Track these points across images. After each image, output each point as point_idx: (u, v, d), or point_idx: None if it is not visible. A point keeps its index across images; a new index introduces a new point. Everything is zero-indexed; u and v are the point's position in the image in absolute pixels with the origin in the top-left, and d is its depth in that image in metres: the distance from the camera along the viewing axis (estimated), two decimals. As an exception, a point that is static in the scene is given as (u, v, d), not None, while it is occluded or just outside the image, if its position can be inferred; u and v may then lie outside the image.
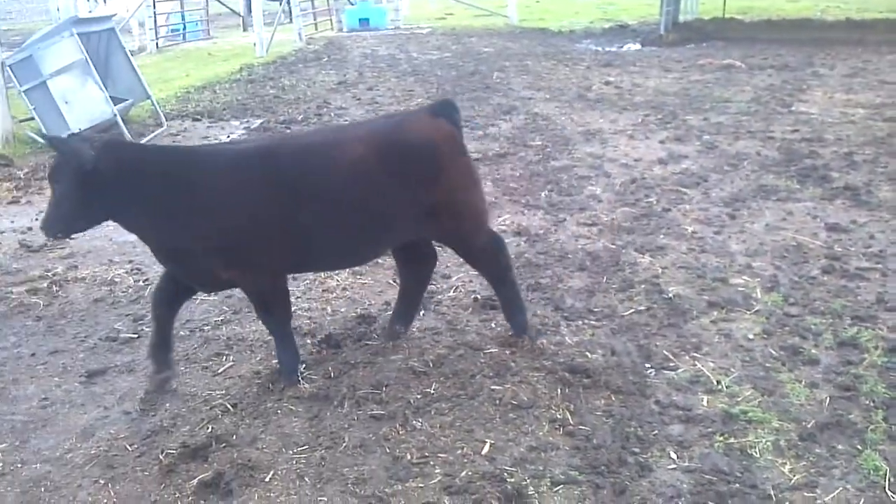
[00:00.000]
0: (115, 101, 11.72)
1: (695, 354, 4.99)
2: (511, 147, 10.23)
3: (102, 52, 12.42)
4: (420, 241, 5.15)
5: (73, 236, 5.87)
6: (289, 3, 25.24)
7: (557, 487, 3.82)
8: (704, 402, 4.48)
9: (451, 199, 4.79)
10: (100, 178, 4.32)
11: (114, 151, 4.47)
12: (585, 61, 17.61)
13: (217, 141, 11.37)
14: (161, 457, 4.13)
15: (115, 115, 11.44)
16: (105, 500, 3.86)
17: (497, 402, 4.51)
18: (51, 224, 4.47)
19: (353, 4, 28.49)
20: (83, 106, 11.24)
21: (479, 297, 5.89)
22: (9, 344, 5.55)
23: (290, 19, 26.03)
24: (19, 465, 4.18)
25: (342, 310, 5.81)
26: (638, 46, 20.51)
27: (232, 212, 4.43)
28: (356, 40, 23.74)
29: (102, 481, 4.00)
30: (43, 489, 3.97)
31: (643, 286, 5.96)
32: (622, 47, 20.47)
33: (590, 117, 11.95)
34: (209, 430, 4.35)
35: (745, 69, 15.66)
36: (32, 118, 11.50)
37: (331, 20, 28.24)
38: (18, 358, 5.36)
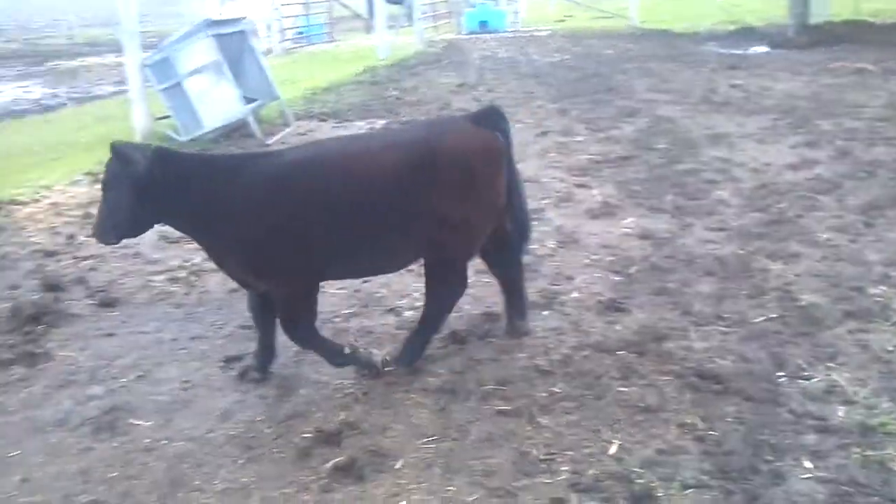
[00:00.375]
0: (246, 100, 12.17)
1: (830, 364, 4.85)
2: (634, 150, 10.14)
3: (235, 53, 12.90)
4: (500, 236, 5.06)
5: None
6: (410, 6, 25.61)
7: (687, 491, 3.79)
8: (840, 413, 4.35)
9: (470, 215, 4.70)
10: (153, 186, 4.41)
11: (165, 160, 4.53)
12: (710, 63, 17.27)
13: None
14: (297, 440, 4.30)
15: (247, 114, 11.87)
16: (244, 479, 4.03)
17: (624, 404, 4.50)
18: (105, 231, 4.55)
19: (472, 7, 28.68)
20: (217, 105, 11.71)
21: (603, 298, 5.87)
22: (151, 329, 5.85)
23: (411, 22, 26.45)
24: (165, 442, 4.42)
25: (466, 307, 5.88)
26: (765, 49, 19.98)
27: (267, 220, 4.50)
28: (476, 43, 23.92)
29: (241, 461, 4.19)
30: (186, 465, 4.19)
31: (775, 293, 5.82)
32: (748, 50, 19.98)
33: (716, 120, 11.72)
34: (341, 416, 4.49)
35: (878, 73, 15.06)
36: (169, 116, 12.07)
37: (451, 23, 28.52)
38: (160, 343, 5.65)
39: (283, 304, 4.75)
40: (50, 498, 3.97)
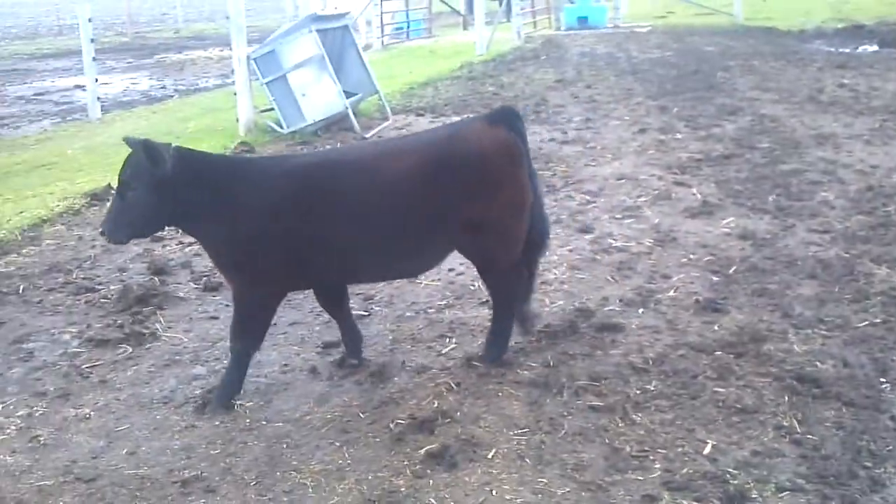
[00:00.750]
0: (347, 94, 12.37)
1: (936, 372, 4.69)
2: (736, 148, 9.92)
3: (337, 48, 13.14)
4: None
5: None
6: (509, 2, 25.59)
7: (783, 494, 3.72)
8: (946, 423, 4.20)
9: (493, 217, 4.67)
10: (171, 185, 4.38)
11: (184, 159, 4.50)
12: (817, 62, 16.75)
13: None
14: (391, 426, 4.38)
15: (347, 108, 12.08)
16: (340, 461, 4.13)
17: (720, 404, 4.44)
18: (117, 229, 4.50)
19: (572, 3, 28.46)
20: (318, 98, 11.96)
21: (700, 298, 5.79)
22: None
23: (509, 18, 26.42)
24: (264, 423, 4.56)
25: (560, 302, 5.89)
26: (875, 48, 19.25)
27: (285, 223, 4.51)
28: (574, 39, 23.74)
29: (338, 444, 4.29)
30: (285, 446, 4.31)
31: (879, 298, 5.64)
32: (857, 48, 19.29)
33: (822, 120, 11.37)
34: (435, 405, 4.55)
35: None
36: (272, 109, 12.37)
37: (549, 19, 28.38)
38: (261, 327, 5.81)
39: (242, 307, 4.74)
40: (154, 471, 4.14)
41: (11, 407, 4.86)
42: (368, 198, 4.58)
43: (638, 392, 4.60)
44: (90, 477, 4.11)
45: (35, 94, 20.12)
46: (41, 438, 4.51)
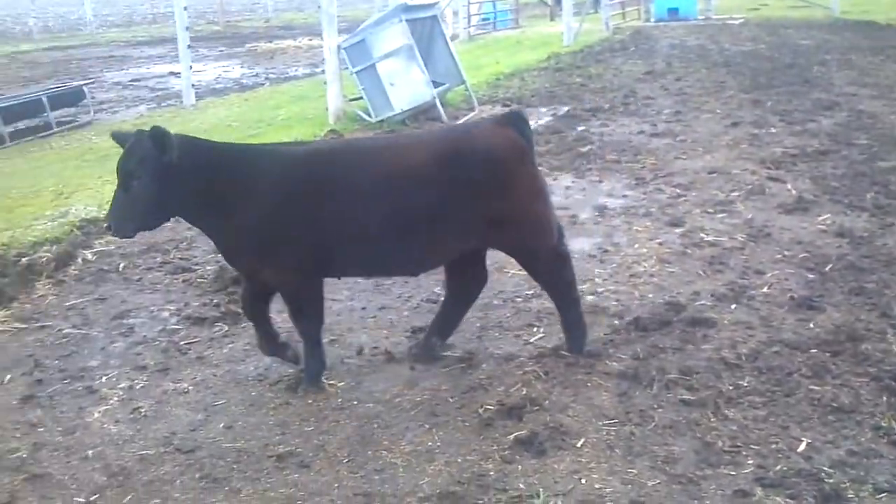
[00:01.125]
0: (434, 84, 12.44)
1: None
2: (832, 144, 9.65)
3: (425, 38, 13.22)
4: (476, 258, 5.04)
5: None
6: (598, -8, 25.34)
7: (881, 495, 3.64)
8: None
9: (514, 211, 4.69)
10: (177, 174, 4.32)
11: (188, 147, 4.45)
12: (919, 57, 16.15)
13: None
14: (480, 411, 4.42)
15: (434, 97, 12.14)
16: (429, 443, 4.20)
17: (815, 402, 4.35)
18: (124, 222, 4.37)
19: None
20: (406, 88, 12.05)
21: (795, 295, 5.67)
22: (343, 297, 6.14)
23: (596, 9, 26.16)
24: (355, 403, 4.65)
25: (650, 295, 5.84)
26: (982, 42, 18.45)
27: (278, 213, 4.47)
28: (664, 30, 23.37)
29: (427, 426, 4.36)
30: (376, 426, 4.40)
31: (984, 300, 5.45)
32: (963, 43, 18.51)
33: (924, 117, 10.98)
34: (523, 392, 4.57)
35: None
36: (360, 98, 12.52)
37: (638, 10, 28.00)
38: (352, 310, 5.93)
39: (289, 295, 4.80)
40: (251, 445, 4.27)
41: (114, 379, 5.07)
42: (374, 188, 4.55)
43: (730, 387, 4.54)
44: (189, 448, 4.26)
45: (131, 81, 20.79)
46: (142, 410, 4.69)
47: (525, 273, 6.25)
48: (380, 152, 4.80)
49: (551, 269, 4.95)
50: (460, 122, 9.49)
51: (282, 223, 4.50)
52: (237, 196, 4.47)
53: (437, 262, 5.00)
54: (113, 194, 4.42)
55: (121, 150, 4.42)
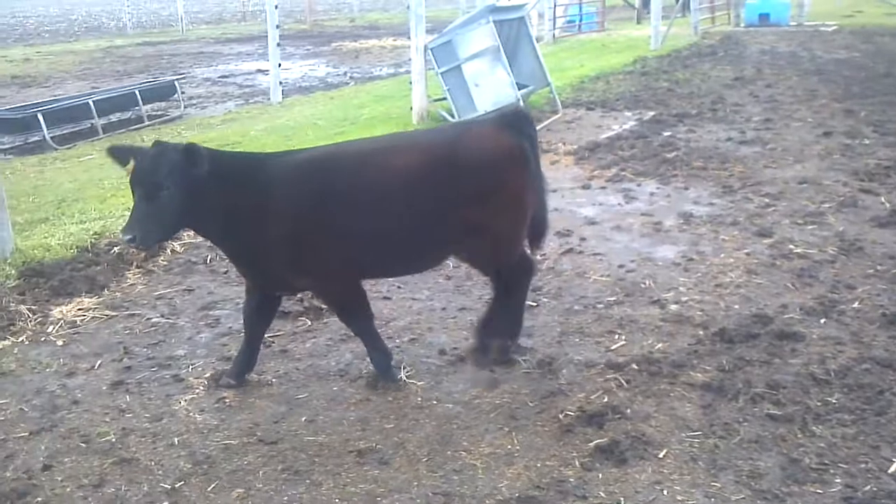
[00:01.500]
0: (518, 86, 12.39)
1: None
2: (930, 157, 9.31)
3: (512, 40, 13.17)
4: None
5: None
6: (688, -4, 24.90)
7: (978, 524, 3.50)
8: None
9: (496, 219, 4.62)
10: (199, 184, 4.29)
11: (215, 160, 4.40)
12: None
13: (610, 130, 11.64)
14: (560, 416, 4.39)
15: (519, 100, 12.10)
16: (509, 446, 4.19)
17: (908, 422, 4.21)
18: (150, 233, 4.29)
19: (754, -1, 27.46)
20: (491, 89, 12.02)
21: (887, 311, 5.49)
22: (423, 297, 6.17)
23: (683, 13, 25.74)
24: (434, 402, 4.67)
25: (736, 306, 5.72)
26: None
27: (290, 219, 4.42)
28: (754, 36, 22.84)
29: (506, 429, 4.35)
30: (455, 426, 4.40)
31: None
32: None
33: None
34: (604, 400, 4.53)
35: None
36: (444, 98, 12.55)
37: (728, 14, 27.45)
38: (432, 310, 5.95)
39: (331, 299, 4.91)
40: (331, 440, 4.32)
41: (200, 368, 5.19)
42: (378, 193, 4.50)
43: (819, 404, 4.42)
44: (272, 440, 4.34)
45: (220, 77, 21.27)
46: (227, 400, 4.79)
47: (607, 279, 6.26)
48: (381, 154, 4.70)
49: (510, 276, 4.95)
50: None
51: (304, 232, 4.45)
52: (252, 206, 4.43)
53: (429, 266, 5.18)
54: (133, 206, 4.31)
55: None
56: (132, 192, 4.30)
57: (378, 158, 4.63)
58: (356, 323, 4.89)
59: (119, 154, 4.42)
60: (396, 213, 4.51)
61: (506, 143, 4.64)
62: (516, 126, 4.73)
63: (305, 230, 4.46)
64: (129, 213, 4.32)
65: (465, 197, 4.53)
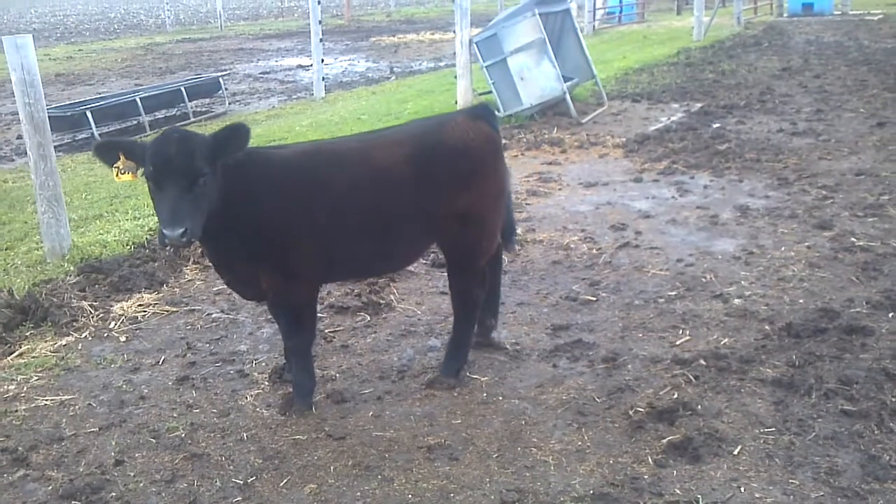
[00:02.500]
0: (563, 79, 12.31)
1: None
2: None
3: (556, 32, 13.10)
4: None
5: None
6: (729, -14, 24.61)
7: None
8: None
9: (479, 207, 4.63)
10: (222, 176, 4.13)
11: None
12: None
13: (657, 122, 11.53)
14: (630, 413, 4.34)
15: (565, 92, 12.02)
16: (579, 443, 4.15)
17: None
18: (198, 223, 3.98)
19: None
20: (536, 82, 11.96)
21: (960, 305, 5.38)
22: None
23: (723, 3, 25.45)
24: (500, 398, 4.64)
25: (800, 301, 5.63)
26: None
27: (271, 216, 4.26)
28: (798, 26, 22.55)
29: (575, 425, 4.31)
30: (523, 422, 4.37)
31: None
32: None
33: None
34: (674, 396, 4.47)
35: None
36: (490, 92, 12.50)
37: (771, 4, 27.09)
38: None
39: (289, 305, 4.54)
40: (399, 435, 4.31)
41: (263, 364, 5.21)
42: (360, 190, 4.41)
43: (894, 399, 4.32)
44: (340, 435, 4.33)
45: (261, 73, 21.39)
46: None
47: (666, 273, 6.19)
48: (361, 151, 4.59)
49: (476, 284, 4.85)
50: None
51: (279, 227, 4.31)
52: (237, 202, 4.22)
53: (413, 259, 5.11)
54: (164, 199, 3.94)
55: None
56: (156, 184, 3.95)
57: (363, 154, 4.55)
58: (301, 336, 4.58)
59: (105, 151, 4.14)
60: (383, 208, 4.46)
61: (485, 131, 4.70)
62: (487, 119, 4.79)
63: (288, 227, 4.32)
64: (161, 208, 3.93)
65: (451, 183, 4.55)
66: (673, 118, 11.74)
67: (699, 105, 12.48)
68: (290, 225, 4.33)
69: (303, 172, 4.44)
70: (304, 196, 4.35)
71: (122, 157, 4.10)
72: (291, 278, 4.43)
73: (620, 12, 27.86)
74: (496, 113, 5.09)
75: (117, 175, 4.13)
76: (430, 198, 4.52)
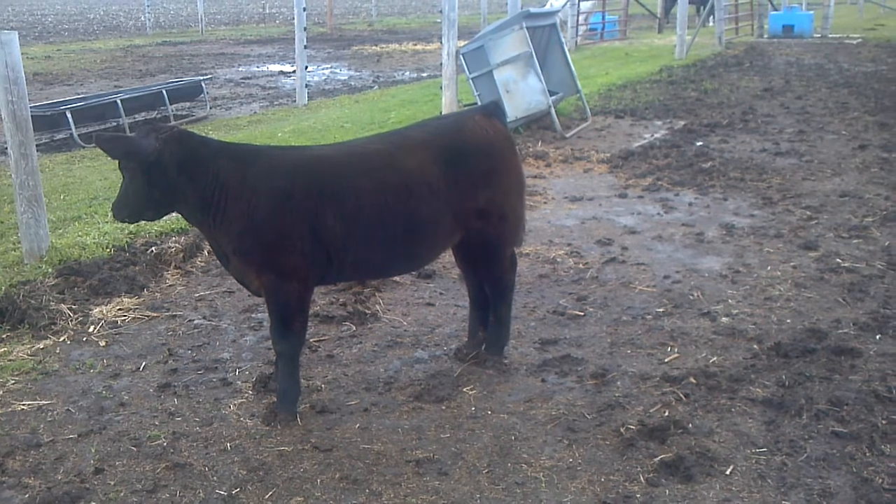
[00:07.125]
0: (549, 93, 12.30)
1: None
2: (970, 172, 9.19)
3: (542, 46, 13.10)
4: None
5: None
6: (711, 7, 24.78)
7: None
8: None
9: (503, 200, 4.77)
10: (162, 170, 4.24)
11: (178, 143, 4.29)
12: None
13: (641, 138, 11.56)
14: (621, 430, 4.30)
15: (551, 106, 12.02)
16: (570, 460, 4.10)
17: (981, 444, 4.11)
18: (118, 209, 4.46)
19: (775, 9, 27.34)
20: (522, 96, 11.93)
21: (948, 328, 5.40)
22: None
23: (705, 24, 25.63)
24: (489, 413, 4.58)
25: (788, 321, 5.63)
26: None
27: (275, 215, 4.25)
28: (778, 47, 22.75)
29: (566, 442, 4.26)
30: (513, 437, 4.31)
31: None
32: None
33: None
34: (665, 414, 4.44)
35: None
36: (475, 103, 12.46)
37: (752, 25, 27.33)
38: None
39: (280, 305, 4.43)
40: (387, 448, 4.24)
41: (247, 372, 5.12)
42: (377, 192, 4.39)
43: (884, 422, 4.32)
44: (326, 447, 4.25)
45: (242, 78, 21.21)
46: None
47: (653, 289, 6.16)
48: (378, 151, 4.58)
49: (509, 272, 5.06)
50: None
51: (278, 227, 4.28)
52: (231, 198, 4.30)
53: (434, 258, 5.13)
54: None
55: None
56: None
57: (389, 157, 4.51)
58: (290, 341, 4.48)
59: (105, 145, 4.30)
60: (410, 210, 4.46)
61: (500, 128, 4.85)
62: (499, 116, 4.92)
63: (279, 229, 4.28)
64: None
65: (478, 181, 4.63)
66: (656, 135, 11.77)
67: (682, 123, 12.53)
68: (305, 226, 4.30)
69: (329, 176, 4.42)
70: (303, 199, 4.31)
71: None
72: (285, 279, 4.36)
73: (602, 29, 27.98)
74: (504, 112, 5.14)
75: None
76: (458, 197, 4.58)
